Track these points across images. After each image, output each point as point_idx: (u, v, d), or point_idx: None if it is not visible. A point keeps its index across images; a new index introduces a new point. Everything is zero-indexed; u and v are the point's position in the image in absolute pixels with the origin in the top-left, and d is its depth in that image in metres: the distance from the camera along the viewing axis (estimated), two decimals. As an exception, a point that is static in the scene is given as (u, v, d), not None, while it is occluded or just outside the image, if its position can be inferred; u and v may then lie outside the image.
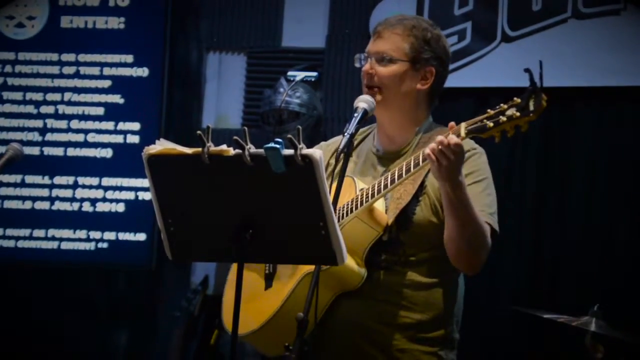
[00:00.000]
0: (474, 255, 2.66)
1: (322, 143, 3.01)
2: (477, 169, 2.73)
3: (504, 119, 2.43)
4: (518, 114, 2.42)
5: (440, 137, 2.48)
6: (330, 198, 2.23)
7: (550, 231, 5.29)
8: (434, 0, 5.53)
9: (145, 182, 5.79)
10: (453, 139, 2.47)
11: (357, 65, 2.84)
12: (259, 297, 2.80)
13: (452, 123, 2.53)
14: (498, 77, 5.32)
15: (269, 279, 2.82)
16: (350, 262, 2.68)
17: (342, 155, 2.60)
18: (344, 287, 2.72)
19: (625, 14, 5.18)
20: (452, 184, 2.53)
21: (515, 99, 2.45)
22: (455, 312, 2.82)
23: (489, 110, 2.48)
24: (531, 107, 2.41)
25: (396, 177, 2.63)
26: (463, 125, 2.50)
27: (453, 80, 5.40)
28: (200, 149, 2.21)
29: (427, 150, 2.49)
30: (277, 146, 2.15)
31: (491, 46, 5.39)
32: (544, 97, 2.40)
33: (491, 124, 2.45)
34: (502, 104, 2.47)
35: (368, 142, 2.92)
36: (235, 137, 2.20)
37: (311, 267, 2.62)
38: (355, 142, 2.90)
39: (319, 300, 2.61)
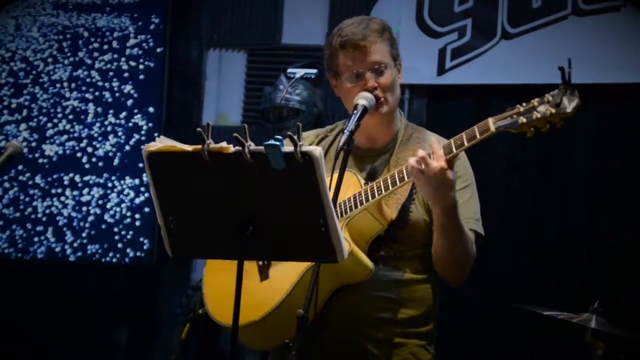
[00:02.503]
0: (460, 271, 2.72)
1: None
2: (461, 174, 2.73)
3: (538, 115, 2.40)
4: (553, 110, 2.39)
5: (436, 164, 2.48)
6: (330, 194, 2.23)
7: (550, 229, 5.28)
8: (433, -3, 5.53)
9: (145, 180, 5.79)
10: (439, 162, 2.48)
11: (348, 85, 2.79)
12: (254, 289, 2.77)
13: (436, 145, 2.51)
14: (498, 74, 5.31)
15: (264, 271, 2.80)
16: (361, 254, 2.71)
17: (341, 152, 2.60)
18: (351, 279, 2.73)
19: (625, 11, 5.17)
20: (443, 209, 2.56)
21: (546, 95, 2.42)
22: (437, 308, 2.87)
23: (518, 106, 2.45)
24: (566, 104, 2.37)
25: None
26: (491, 120, 2.47)
27: (453, 77, 5.48)
28: (200, 146, 2.21)
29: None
30: (277, 143, 2.15)
31: (491, 43, 5.38)
32: (578, 94, 2.38)
33: (524, 120, 2.41)
34: (532, 101, 2.44)
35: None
36: (235, 134, 2.20)
37: None
38: (328, 141, 2.90)
39: (321, 290, 2.61)
